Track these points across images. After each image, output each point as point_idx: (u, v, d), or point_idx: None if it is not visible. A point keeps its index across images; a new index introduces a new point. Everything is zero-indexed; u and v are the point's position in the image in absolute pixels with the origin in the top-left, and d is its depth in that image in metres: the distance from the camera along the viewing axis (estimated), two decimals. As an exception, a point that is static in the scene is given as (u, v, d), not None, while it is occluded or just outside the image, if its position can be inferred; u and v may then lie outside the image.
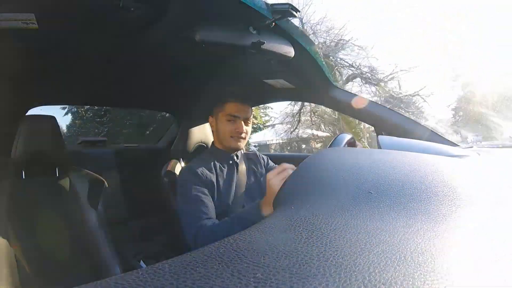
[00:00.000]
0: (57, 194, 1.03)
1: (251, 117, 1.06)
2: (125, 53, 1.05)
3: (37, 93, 1.32)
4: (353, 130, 8.86)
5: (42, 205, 0.97)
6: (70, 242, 0.98)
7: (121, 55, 1.06)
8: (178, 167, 1.20)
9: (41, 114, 1.04)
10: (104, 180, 1.10)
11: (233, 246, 0.24)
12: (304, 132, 10.42)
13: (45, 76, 1.15)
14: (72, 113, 9.98)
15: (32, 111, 1.30)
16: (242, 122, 1.01)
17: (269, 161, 1.16)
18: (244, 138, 1.04)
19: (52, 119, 1.04)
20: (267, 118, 11.31)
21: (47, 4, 0.70)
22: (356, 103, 1.10)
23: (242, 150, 1.11)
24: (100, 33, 0.87)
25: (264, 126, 11.21)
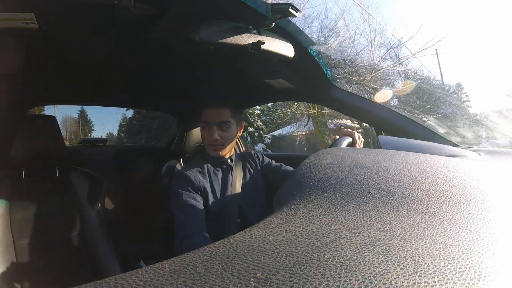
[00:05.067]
0: (57, 193, 1.03)
1: (233, 120, 0.96)
2: (125, 53, 1.05)
3: (37, 93, 1.32)
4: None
5: (42, 205, 0.97)
6: (70, 241, 0.98)
7: (121, 55, 1.06)
8: (178, 167, 1.21)
9: (41, 114, 1.05)
10: (104, 179, 1.10)
11: (233, 246, 0.24)
12: (331, 122, 10.02)
13: (45, 76, 1.15)
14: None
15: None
16: (215, 128, 0.93)
17: (265, 157, 1.14)
18: (223, 145, 0.95)
19: (52, 119, 1.04)
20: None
21: (47, 4, 0.70)
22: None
23: (236, 151, 1.09)
24: (100, 33, 0.87)
25: (285, 122, 10.86)
